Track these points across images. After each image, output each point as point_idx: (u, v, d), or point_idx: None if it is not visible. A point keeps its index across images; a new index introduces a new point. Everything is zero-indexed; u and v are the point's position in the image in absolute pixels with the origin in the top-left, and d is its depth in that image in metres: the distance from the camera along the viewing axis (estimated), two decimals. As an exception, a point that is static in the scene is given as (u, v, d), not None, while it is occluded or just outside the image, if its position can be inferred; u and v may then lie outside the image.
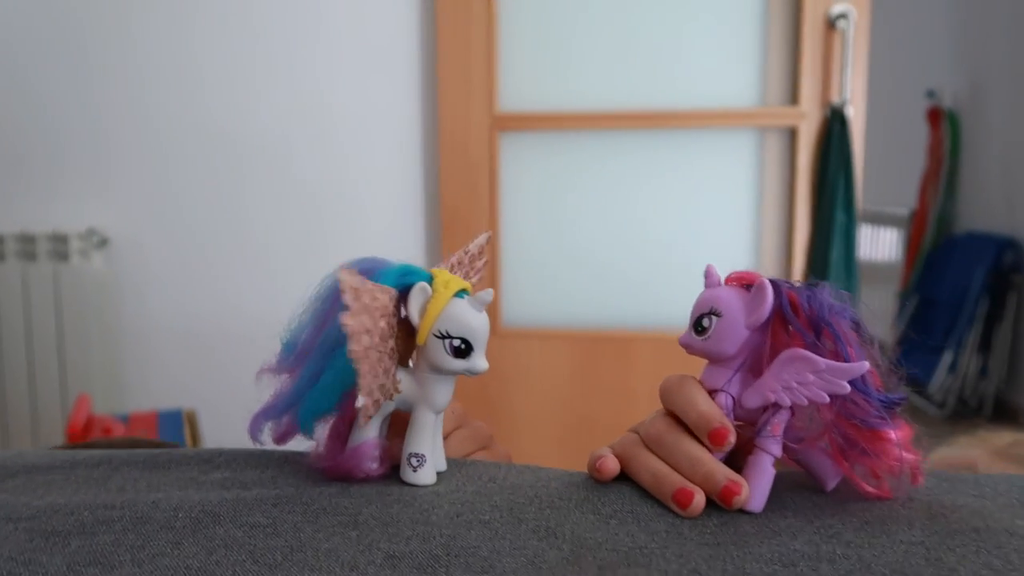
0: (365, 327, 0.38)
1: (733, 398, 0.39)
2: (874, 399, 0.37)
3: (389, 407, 0.43)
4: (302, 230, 2.08)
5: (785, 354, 0.38)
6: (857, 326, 0.39)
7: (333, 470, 0.42)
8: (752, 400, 0.38)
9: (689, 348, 0.41)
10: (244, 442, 0.47)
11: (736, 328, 0.39)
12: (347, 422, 0.44)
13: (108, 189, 2.12)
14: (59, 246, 2.08)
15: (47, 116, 2.11)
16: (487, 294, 0.42)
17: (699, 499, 0.37)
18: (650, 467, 0.40)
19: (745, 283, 0.40)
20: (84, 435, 1.41)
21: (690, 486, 0.38)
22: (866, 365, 0.36)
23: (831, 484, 0.40)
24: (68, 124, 2.10)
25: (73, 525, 0.34)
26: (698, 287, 0.42)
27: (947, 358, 3.20)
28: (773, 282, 0.39)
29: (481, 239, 0.48)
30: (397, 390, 0.43)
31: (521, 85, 2.00)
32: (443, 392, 0.43)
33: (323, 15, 2.01)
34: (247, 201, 2.08)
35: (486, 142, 1.98)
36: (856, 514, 0.36)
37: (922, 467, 0.38)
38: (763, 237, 2.00)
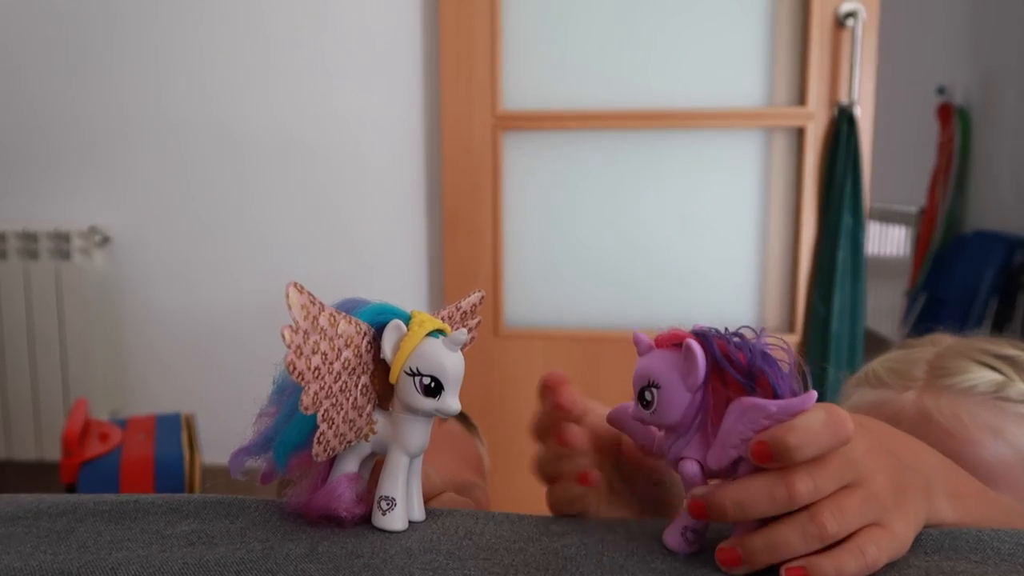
0: (314, 345, 0.37)
1: (699, 464, 0.38)
2: None
3: (365, 448, 0.43)
4: (304, 230, 2.07)
5: (736, 406, 0.37)
6: (790, 362, 0.38)
7: (310, 508, 0.41)
8: (718, 460, 0.38)
9: (643, 422, 0.41)
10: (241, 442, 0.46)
11: (678, 395, 0.38)
12: (327, 462, 0.43)
13: (110, 187, 2.11)
14: (61, 244, 2.07)
15: (48, 114, 2.10)
16: (461, 334, 0.41)
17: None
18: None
19: (676, 342, 0.39)
20: (81, 440, 1.40)
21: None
22: (814, 395, 0.36)
23: None
24: (70, 122, 2.09)
25: (26, 594, 0.32)
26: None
27: (955, 358, 3.16)
28: (702, 335, 0.38)
29: (474, 297, 0.47)
30: (373, 431, 0.42)
31: (525, 84, 1.98)
32: (416, 434, 0.42)
33: (326, 14, 1.99)
34: (250, 201, 2.07)
35: (489, 141, 1.96)
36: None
37: None
38: (769, 239, 1.98)
